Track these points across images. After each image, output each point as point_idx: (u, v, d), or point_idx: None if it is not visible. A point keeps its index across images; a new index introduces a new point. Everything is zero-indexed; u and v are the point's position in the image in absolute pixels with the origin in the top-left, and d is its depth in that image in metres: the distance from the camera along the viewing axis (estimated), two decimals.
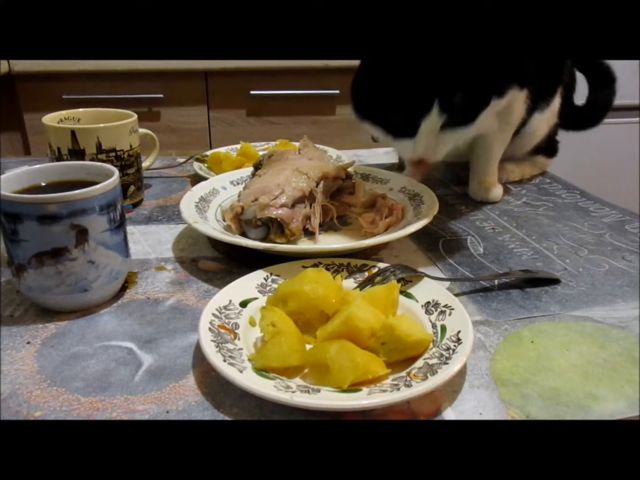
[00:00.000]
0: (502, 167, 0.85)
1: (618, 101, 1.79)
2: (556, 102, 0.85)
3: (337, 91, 1.57)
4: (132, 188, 0.75)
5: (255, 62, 1.51)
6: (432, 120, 0.57)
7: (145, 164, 0.82)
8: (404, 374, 0.41)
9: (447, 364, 0.40)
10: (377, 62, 0.59)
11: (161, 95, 1.51)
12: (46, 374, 0.43)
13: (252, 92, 1.55)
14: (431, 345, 0.44)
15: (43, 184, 0.54)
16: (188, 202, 0.64)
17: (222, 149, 0.94)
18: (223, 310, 0.48)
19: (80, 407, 0.40)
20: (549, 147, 0.90)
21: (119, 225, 0.52)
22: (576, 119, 0.92)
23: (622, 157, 1.60)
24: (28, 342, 0.47)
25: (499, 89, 0.62)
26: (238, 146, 0.94)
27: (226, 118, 1.58)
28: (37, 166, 0.54)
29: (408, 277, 0.53)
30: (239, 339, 0.45)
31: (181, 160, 0.96)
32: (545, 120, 0.84)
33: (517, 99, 0.73)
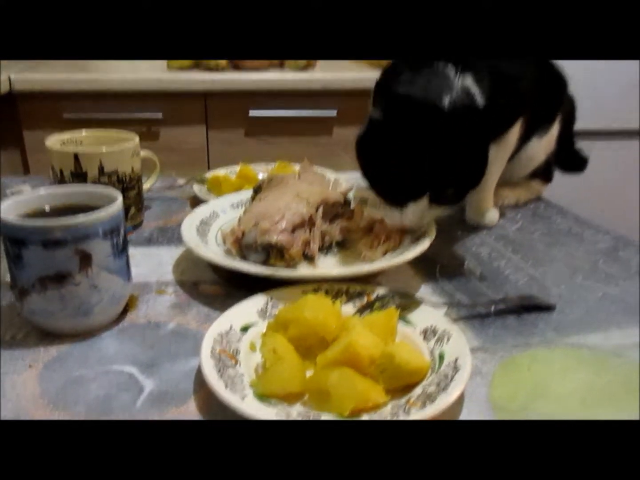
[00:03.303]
0: (498, 191, 0.86)
1: (616, 125, 1.82)
2: (554, 130, 0.86)
3: (334, 112, 1.59)
4: (132, 210, 0.76)
5: (254, 84, 1.53)
6: (421, 204, 0.60)
7: (145, 185, 0.83)
8: (403, 401, 0.42)
9: (445, 391, 0.41)
10: (376, 137, 0.61)
11: (160, 116, 1.53)
12: (48, 398, 0.44)
13: (250, 112, 1.57)
14: (430, 372, 0.45)
15: (47, 208, 0.54)
16: (189, 226, 0.65)
17: (221, 171, 0.95)
18: (224, 336, 0.48)
19: None
20: (545, 172, 0.92)
21: (122, 250, 0.53)
22: (573, 161, 0.95)
23: (619, 179, 1.63)
24: (30, 366, 0.47)
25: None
26: (237, 167, 0.95)
27: (225, 138, 1.60)
28: (41, 191, 0.54)
29: (406, 303, 0.53)
30: (240, 365, 0.45)
31: (181, 181, 0.97)
32: (542, 146, 0.85)
33: (512, 127, 0.75)
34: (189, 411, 0.43)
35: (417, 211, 0.61)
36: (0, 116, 1.43)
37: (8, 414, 0.42)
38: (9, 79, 1.40)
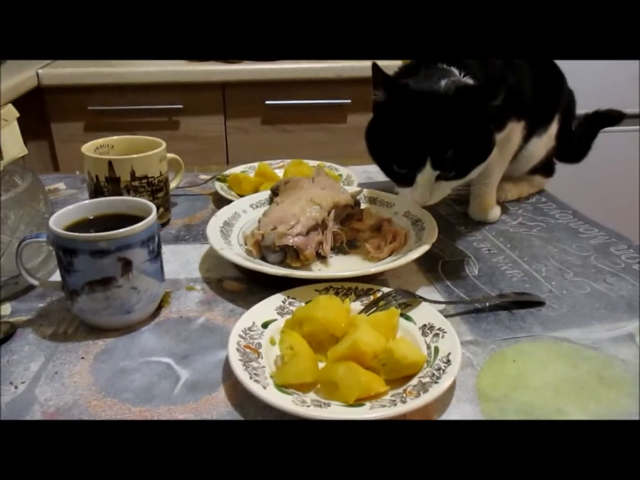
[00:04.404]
0: (501, 186, 0.92)
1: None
2: (554, 127, 0.91)
3: (348, 101, 1.64)
4: (161, 209, 0.83)
5: (270, 74, 1.58)
6: (426, 174, 0.64)
7: (171, 185, 0.90)
8: (400, 390, 0.49)
9: (437, 382, 0.48)
10: (380, 118, 0.67)
11: (181, 106, 1.59)
12: (100, 386, 0.51)
13: (267, 102, 1.62)
14: (425, 365, 0.51)
15: (91, 217, 0.62)
16: (214, 228, 0.72)
17: (240, 168, 1.02)
18: (248, 332, 0.55)
19: (131, 415, 0.48)
20: (546, 167, 0.97)
21: (157, 255, 0.60)
22: (571, 152, 0.99)
23: (622, 166, 1.66)
24: (82, 358, 0.55)
25: (499, 126, 0.70)
26: (255, 164, 1.01)
27: (242, 127, 1.66)
28: (86, 202, 0.62)
29: (408, 302, 0.60)
30: (262, 358, 0.53)
31: (204, 177, 1.03)
32: (542, 144, 0.90)
33: (514, 130, 0.80)
34: (220, 398, 0.50)
35: (425, 186, 0.66)
36: (29, 110, 1.50)
37: (69, 401, 0.50)
38: (37, 74, 1.47)
